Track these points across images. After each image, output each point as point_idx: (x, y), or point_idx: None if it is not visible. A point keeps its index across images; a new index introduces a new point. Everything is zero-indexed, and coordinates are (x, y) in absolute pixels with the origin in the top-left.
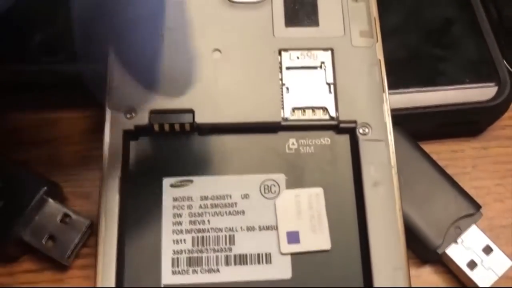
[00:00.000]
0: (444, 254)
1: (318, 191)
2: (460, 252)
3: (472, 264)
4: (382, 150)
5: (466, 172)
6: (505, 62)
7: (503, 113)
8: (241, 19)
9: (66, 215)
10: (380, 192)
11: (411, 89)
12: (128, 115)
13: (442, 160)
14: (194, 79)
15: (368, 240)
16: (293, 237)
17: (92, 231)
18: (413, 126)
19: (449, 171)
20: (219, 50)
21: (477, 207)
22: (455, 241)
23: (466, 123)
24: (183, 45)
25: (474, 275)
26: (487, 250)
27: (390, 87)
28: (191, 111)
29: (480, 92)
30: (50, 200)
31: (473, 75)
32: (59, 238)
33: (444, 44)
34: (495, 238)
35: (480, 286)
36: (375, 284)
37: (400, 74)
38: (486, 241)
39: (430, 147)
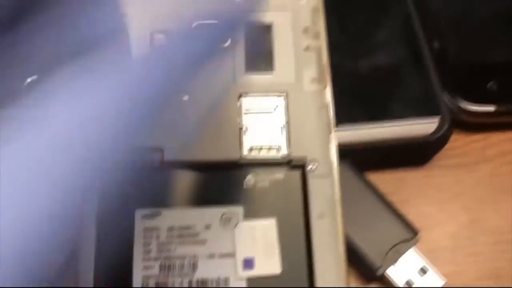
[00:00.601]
0: (384, 274)
1: (271, 221)
2: (398, 273)
3: (409, 284)
4: (328, 185)
5: (410, 198)
6: (446, 98)
7: (444, 145)
8: (207, 66)
9: None
10: (325, 223)
11: (359, 125)
12: None
13: (388, 188)
14: (163, 120)
15: (314, 265)
16: (248, 263)
17: None
18: (361, 158)
19: (394, 198)
20: (188, 94)
21: (415, 232)
22: (394, 263)
23: (411, 154)
24: (153, 89)
25: None
26: (423, 271)
27: (339, 123)
28: (161, 150)
29: (423, 127)
30: None
31: (416, 111)
32: None
33: (390, 83)
34: (434, 259)
35: None
36: None
37: (349, 110)
38: (422, 263)
39: (378, 176)
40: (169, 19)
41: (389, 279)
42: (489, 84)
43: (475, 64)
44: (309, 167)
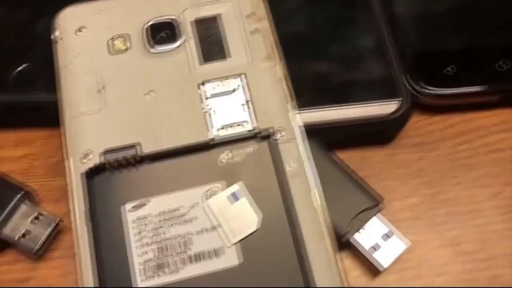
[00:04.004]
0: (351, 240)
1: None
2: (364, 238)
3: (374, 248)
4: (295, 148)
5: (374, 174)
6: (407, 81)
7: (404, 124)
8: (164, 63)
9: (38, 215)
10: (299, 180)
11: (326, 106)
12: (85, 159)
13: (355, 165)
14: (135, 119)
15: (296, 220)
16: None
17: (61, 227)
18: (328, 137)
19: (360, 174)
20: (149, 93)
21: (378, 201)
22: (360, 230)
23: (374, 133)
24: (121, 93)
25: (376, 257)
26: (387, 236)
27: (308, 105)
28: (136, 146)
29: (384, 107)
30: (25, 203)
31: (378, 93)
32: (32, 234)
33: (356, 69)
34: (397, 229)
35: (381, 265)
36: (307, 253)
37: (317, 94)
38: (385, 228)
39: (345, 154)
40: (123, 23)
41: (356, 244)
42: (447, 69)
43: (434, 50)
44: (275, 136)
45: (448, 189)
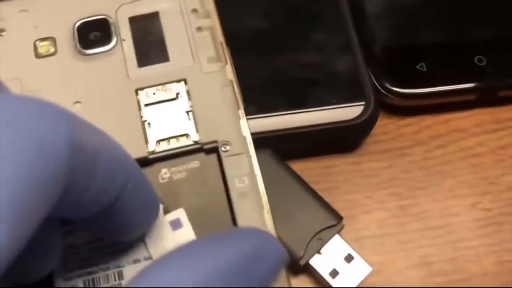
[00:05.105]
0: (308, 264)
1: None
2: (322, 262)
3: (334, 273)
4: (243, 162)
5: (337, 186)
6: (374, 80)
7: (370, 129)
8: (96, 68)
9: None
10: (248, 200)
11: (281, 112)
12: None
13: (316, 176)
14: None
15: None
16: None
17: None
18: (286, 146)
19: (321, 186)
20: (79, 102)
21: (339, 218)
22: (318, 252)
23: (337, 140)
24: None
25: (335, 284)
26: (349, 258)
27: (262, 111)
28: None
29: (348, 111)
30: None
31: (341, 96)
32: None
33: (314, 67)
34: (360, 248)
35: None
36: None
37: (271, 98)
38: (347, 250)
39: (305, 164)
40: (50, 23)
41: (314, 268)
42: (418, 66)
43: (404, 46)
44: (221, 148)
45: (420, 200)
